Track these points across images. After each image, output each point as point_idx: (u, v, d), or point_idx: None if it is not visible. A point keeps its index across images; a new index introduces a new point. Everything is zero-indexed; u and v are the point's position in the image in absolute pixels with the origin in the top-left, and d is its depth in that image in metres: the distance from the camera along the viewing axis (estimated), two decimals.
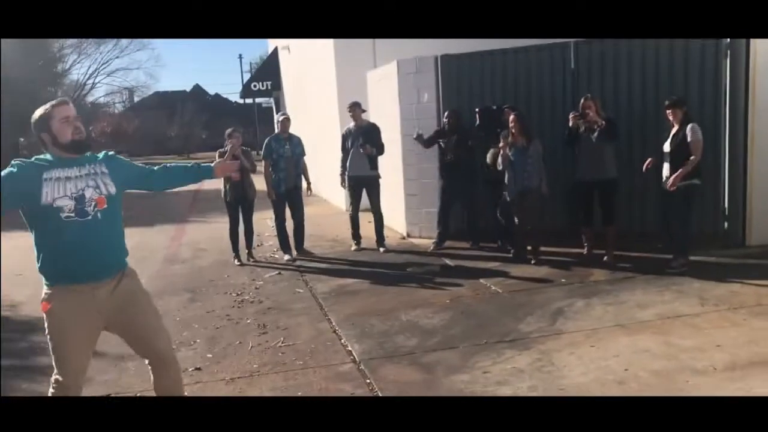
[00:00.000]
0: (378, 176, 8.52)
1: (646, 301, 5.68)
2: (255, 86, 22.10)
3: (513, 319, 5.46)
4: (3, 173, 3.03)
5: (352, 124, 8.59)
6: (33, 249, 3.14)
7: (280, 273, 7.73)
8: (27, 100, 23.77)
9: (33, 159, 3.15)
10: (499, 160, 7.15)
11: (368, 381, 4.38)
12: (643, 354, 4.51)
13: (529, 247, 7.37)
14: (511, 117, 7.13)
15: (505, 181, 7.24)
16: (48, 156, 3.17)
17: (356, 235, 8.71)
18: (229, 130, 7.90)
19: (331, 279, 7.27)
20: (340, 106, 11.81)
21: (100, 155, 3.31)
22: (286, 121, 8.31)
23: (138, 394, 4.42)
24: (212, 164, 3.65)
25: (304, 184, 8.58)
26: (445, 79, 8.59)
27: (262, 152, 8.60)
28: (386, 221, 9.49)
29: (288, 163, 8.22)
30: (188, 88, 66.38)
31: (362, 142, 8.29)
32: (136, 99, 56.69)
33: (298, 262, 8.17)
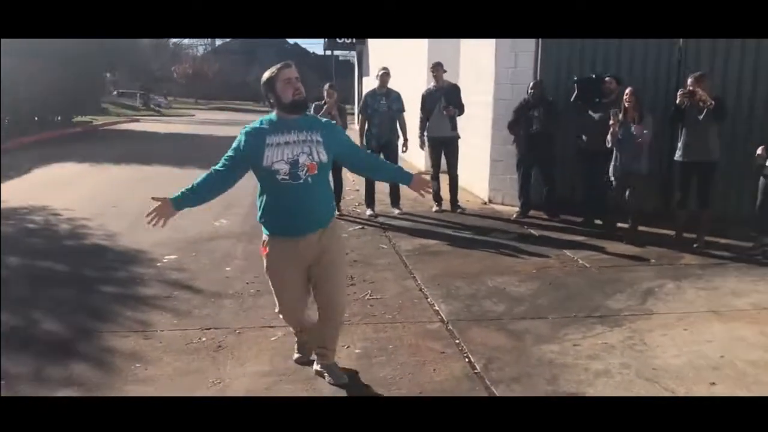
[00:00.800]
0: (458, 137, 8.55)
1: (740, 289, 5.54)
2: (340, 39, 22.10)
3: (602, 294, 5.42)
4: (234, 145, 3.53)
5: (432, 84, 8.60)
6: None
7: (363, 227, 7.86)
8: (113, 39, 24.41)
9: (259, 121, 3.58)
10: (609, 136, 6.94)
11: (457, 341, 4.45)
12: (739, 342, 4.43)
13: (622, 225, 7.24)
14: (628, 90, 6.89)
15: (612, 159, 7.08)
16: (273, 116, 3.57)
17: (437, 197, 8.75)
18: (326, 86, 8.00)
19: (414, 238, 7.35)
20: (430, 64, 11.76)
21: (319, 123, 3.64)
22: (385, 76, 8.36)
23: (224, 339, 4.60)
24: (413, 174, 3.83)
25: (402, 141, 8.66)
26: (545, 45, 8.42)
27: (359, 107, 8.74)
28: (469, 186, 9.51)
29: (383, 118, 8.30)
30: None
31: (445, 104, 8.29)
32: (218, 43, 57.48)
33: (380, 219, 8.27)
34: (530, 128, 8.02)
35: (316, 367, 3.92)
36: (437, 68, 8.52)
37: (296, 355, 4.11)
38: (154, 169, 13.02)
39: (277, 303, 3.80)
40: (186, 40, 54.91)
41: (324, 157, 3.50)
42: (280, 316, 3.92)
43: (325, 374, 3.84)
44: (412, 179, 3.78)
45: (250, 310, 5.07)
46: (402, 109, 8.47)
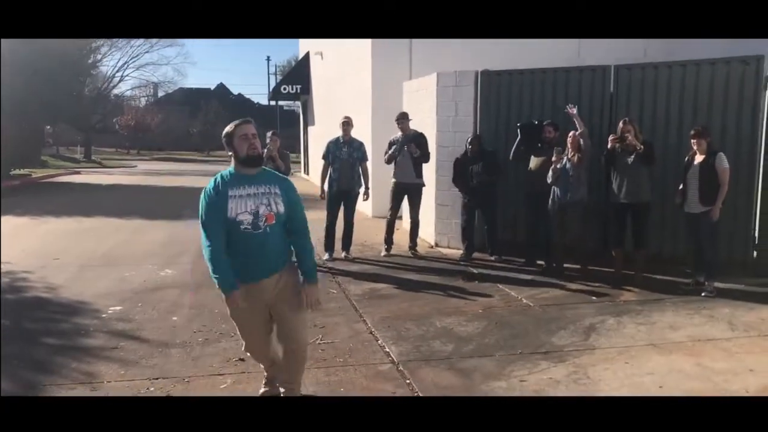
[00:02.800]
0: (422, 184, 8.75)
1: (677, 323, 5.78)
2: (285, 89, 22.38)
3: (546, 332, 5.58)
4: (206, 201, 3.66)
5: (399, 134, 8.77)
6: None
7: None
8: (57, 90, 24.17)
9: (220, 175, 3.74)
10: (550, 173, 7.34)
11: (408, 382, 4.51)
12: (677, 374, 4.62)
13: (565, 265, 7.53)
14: (571, 134, 7.33)
15: (551, 195, 7.41)
16: (232, 170, 3.75)
17: (389, 240, 8.89)
18: (269, 133, 8.12)
19: (363, 282, 7.43)
20: (374, 115, 12.04)
21: (277, 178, 3.83)
22: (346, 125, 8.53)
23: (172, 388, 4.57)
24: (315, 283, 3.91)
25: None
26: (484, 93, 8.76)
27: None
28: None
29: (344, 165, 8.46)
30: (212, 87, 67.02)
31: (409, 146, 8.51)
32: (160, 94, 57.27)
33: (328, 265, 8.32)
34: (471, 182, 8.28)
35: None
36: (402, 119, 8.73)
37: (263, 389, 4.21)
38: (96, 220, 12.79)
39: (244, 343, 4.04)
40: (128, 92, 54.54)
41: (281, 209, 3.70)
42: (248, 354, 4.15)
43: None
44: (310, 284, 3.84)
45: (198, 358, 5.03)
46: (364, 158, 8.63)
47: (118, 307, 6.41)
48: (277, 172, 3.99)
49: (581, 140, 7.28)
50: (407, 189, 8.76)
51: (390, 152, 8.73)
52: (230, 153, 3.72)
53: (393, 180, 8.81)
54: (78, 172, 31.75)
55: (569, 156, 7.29)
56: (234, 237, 3.66)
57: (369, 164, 8.80)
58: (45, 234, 11.14)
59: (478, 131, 8.60)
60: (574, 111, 7.41)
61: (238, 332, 4.01)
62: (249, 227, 3.62)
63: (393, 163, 8.75)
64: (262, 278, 3.74)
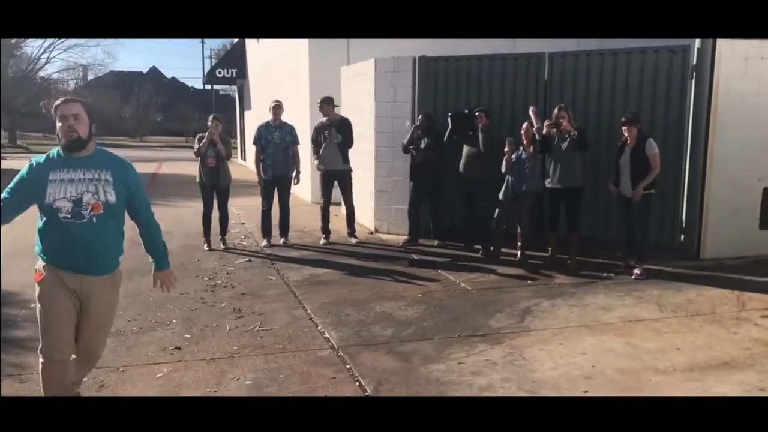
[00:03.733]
0: (350, 170, 8.70)
1: (608, 305, 5.96)
2: (220, 73, 21.99)
3: (483, 315, 5.67)
4: (23, 173, 3.31)
5: (324, 118, 8.71)
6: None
7: (250, 260, 7.81)
8: None
9: (47, 155, 3.37)
10: (504, 163, 7.45)
11: (348, 367, 4.52)
12: (608, 353, 4.76)
13: (503, 249, 7.68)
14: (524, 126, 7.41)
15: (504, 183, 7.51)
16: (59, 149, 3.37)
17: (326, 229, 8.83)
18: (211, 117, 8.01)
19: (302, 268, 7.39)
20: (311, 100, 11.91)
21: (113, 162, 3.45)
22: (277, 108, 8.41)
23: (106, 378, 4.46)
24: (168, 267, 3.76)
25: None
26: (421, 80, 8.78)
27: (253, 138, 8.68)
28: (356, 216, 9.65)
29: (276, 149, 8.33)
30: (145, 70, 65.22)
31: (339, 140, 8.47)
32: (90, 77, 55.32)
33: (267, 251, 8.25)
34: (416, 158, 8.32)
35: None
36: (323, 104, 8.65)
37: None
38: None
39: (41, 336, 3.41)
40: (55, 74, 52.46)
41: (112, 198, 3.35)
42: (41, 359, 3.43)
43: None
44: (163, 268, 3.70)
45: (133, 348, 4.92)
46: (296, 142, 8.53)
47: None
48: (116, 155, 3.55)
49: (536, 133, 7.36)
50: (336, 176, 8.72)
51: (313, 146, 8.78)
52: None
53: (320, 168, 8.76)
54: (3, 158, 30.48)
55: (524, 147, 7.37)
56: (54, 227, 3.30)
57: (301, 149, 8.74)
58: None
59: (417, 117, 8.61)
60: (534, 110, 7.52)
61: (39, 324, 3.42)
62: (69, 216, 3.26)
63: (319, 152, 8.72)
64: (83, 272, 3.36)
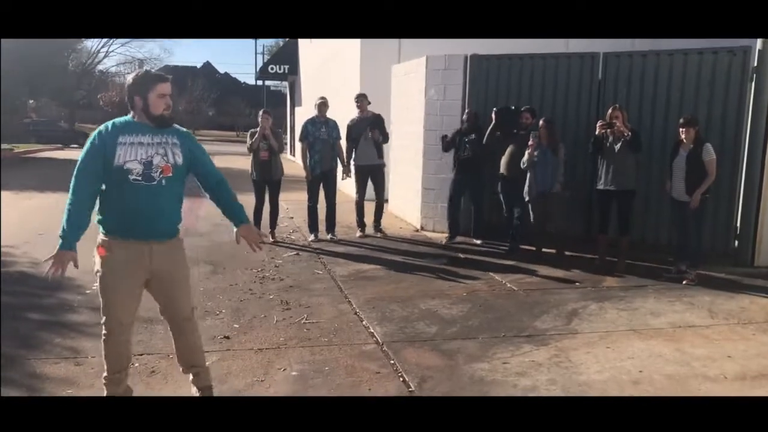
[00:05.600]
0: (383, 164, 8.80)
1: (658, 309, 5.86)
2: (272, 69, 22.27)
3: (529, 315, 5.64)
4: (88, 147, 3.34)
5: (356, 114, 8.80)
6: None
7: (298, 254, 7.91)
8: (40, 64, 23.85)
9: (112, 123, 3.40)
10: (525, 158, 7.35)
11: (392, 362, 4.55)
12: (657, 359, 4.69)
13: (543, 249, 7.58)
14: (541, 122, 7.35)
15: (526, 181, 7.43)
16: (128, 118, 3.43)
17: (361, 223, 8.96)
18: (261, 111, 8.14)
19: (349, 263, 7.45)
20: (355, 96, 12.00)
21: (175, 129, 3.50)
22: (322, 106, 8.52)
23: (156, 364, 4.57)
24: (248, 222, 3.71)
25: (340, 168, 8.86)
26: (473, 78, 8.76)
27: (298, 134, 8.83)
28: (402, 213, 9.72)
29: (324, 145, 8.45)
30: (199, 65, 66.42)
31: (371, 127, 8.55)
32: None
33: (314, 245, 8.34)
34: (461, 153, 8.31)
35: (193, 391, 3.80)
36: (361, 99, 8.78)
37: (106, 391, 3.62)
38: None
39: (103, 312, 3.45)
40: (113, 68, 53.88)
41: (179, 160, 3.41)
42: (103, 331, 3.49)
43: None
44: (246, 224, 3.65)
45: None
46: (339, 137, 8.65)
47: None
48: (176, 125, 3.55)
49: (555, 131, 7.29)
50: (370, 171, 8.81)
51: (348, 145, 8.86)
52: (135, 103, 3.38)
53: (354, 163, 8.84)
54: (61, 148, 31.46)
55: (540, 143, 7.29)
56: (122, 188, 3.31)
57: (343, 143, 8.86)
58: (29, 209, 11.06)
59: (466, 115, 8.60)
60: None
61: (101, 300, 3.44)
62: (139, 178, 3.29)
63: (353, 148, 8.82)
64: (151, 239, 3.39)
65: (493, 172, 8.15)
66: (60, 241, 3.27)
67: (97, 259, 3.44)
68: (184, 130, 3.59)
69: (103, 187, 3.38)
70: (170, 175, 3.37)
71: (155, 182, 3.33)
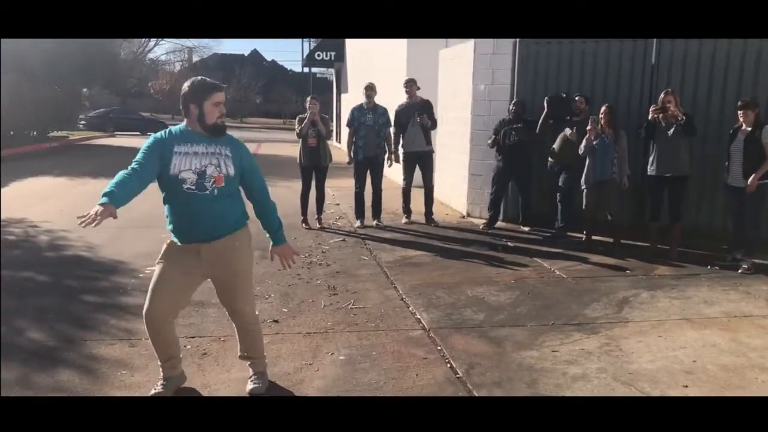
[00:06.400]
0: (432, 151, 8.75)
1: (712, 298, 5.72)
2: (318, 56, 22.33)
3: (579, 303, 5.56)
4: (151, 143, 3.44)
5: (404, 100, 8.76)
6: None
7: (344, 240, 7.95)
8: (94, 53, 24.36)
9: (168, 131, 3.53)
10: (583, 144, 7.24)
11: (439, 348, 4.54)
12: (711, 348, 4.58)
13: (594, 237, 7.47)
14: (603, 108, 7.23)
15: (584, 168, 7.31)
16: (182, 126, 3.54)
17: (407, 209, 8.93)
18: (308, 98, 8.19)
19: (394, 249, 7.46)
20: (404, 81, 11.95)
21: (227, 138, 3.57)
22: (369, 90, 8.52)
23: (208, 346, 4.65)
24: (285, 241, 3.78)
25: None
26: (521, 62, 8.63)
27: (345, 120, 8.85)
28: (448, 199, 9.67)
29: (369, 131, 8.46)
30: (247, 53, 67.06)
31: (419, 113, 8.50)
32: (195, 59, 57.41)
33: (360, 231, 8.38)
34: (508, 140, 8.22)
35: (250, 374, 3.89)
36: (410, 84, 8.73)
37: (157, 389, 3.74)
38: None
39: (147, 301, 3.55)
40: (163, 56, 54.85)
41: (231, 171, 3.48)
42: (145, 323, 3.60)
43: (259, 384, 3.81)
44: (280, 243, 3.74)
45: None
46: (388, 124, 8.64)
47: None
48: (230, 135, 3.63)
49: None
50: (419, 157, 8.76)
51: (396, 131, 8.82)
52: (190, 112, 3.45)
53: (402, 150, 8.81)
54: (114, 135, 32.22)
55: (600, 130, 7.16)
56: (177, 197, 3.43)
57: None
58: (83, 195, 11.35)
59: (515, 100, 8.50)
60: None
61: (151, 284, 3.56)
62: (193, 187, 3.38)
63: (401, 134, 8.78)
64: (203, 241, 3.50)
65: (542, 159, 8.06)
66: (102, 197, 3.23)
67: (162, 249, 3.59)
68: (236, 139, 3.66)
69: (165, 195, 3.51)
70: (222, 185, 3.45)
71: (207, 192, 3.42)
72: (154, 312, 3.53)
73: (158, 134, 3.52)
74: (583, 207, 7.48)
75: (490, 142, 8.42)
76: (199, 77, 3.54)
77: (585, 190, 7.39)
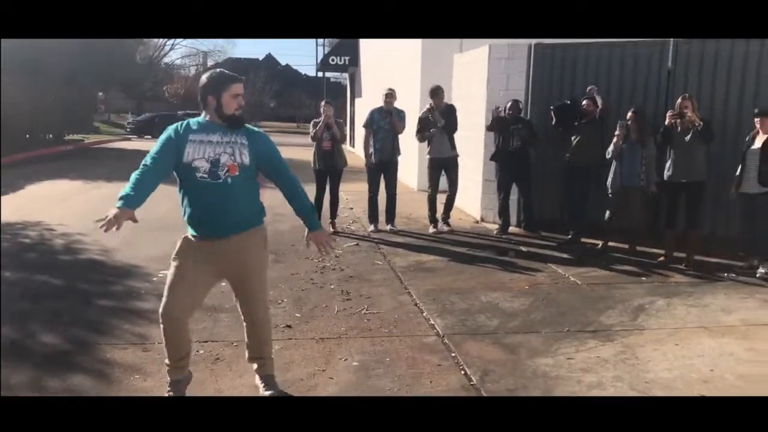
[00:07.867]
0: (457, 156, 8.71)
1: (729, 306, 5.65)
2: (332, 60, 22.37)
3: (594, 310, 5.51)
4: (164, 138, 3.44)
5: (426, 108, 8.72)
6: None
7: (357, 244, 7.94)
8: (108, 58, 24.56)
9: (187, 122, 3.51)
10: (610, 148, 7.19)
11: (453, 354, 4.51)
12: (729, 357, 4.51)
13: (610, 243, 7.42)
14: (629, 114, 7.17)
15: (610, 173, 7.27)
16: (200, 118, 3.53)
17: (433, 218, 8.82)
18: (322, 102, 8.20)
19: (408, 254, 7.44)
20: (423, 87, 11.93)
21: (246, 128, 3.54)
22: (389, 97, 8.50)
23: (221, 351, 4.64)
24: (316, 228, 3.69)
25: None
26: (536, 67, 8.59)
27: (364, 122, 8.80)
28: (461, 205, 9.63)
29: (386, 134, 8.44)
30: (261, 57, 67.32)
31: (443, 124, 8.46)
32: (210, 63, 57.68)
33: (374, 236, 8.36)
34: (510, 145, 8.18)
35: (257, 380, 3.84)
36: (437, 93, 8.64)
37: (167, 390, 3.72)
38: None
39: (164, 298, 3.51)
40: (178, 61, 55.14)
41: (246, 160, 3.43)
42: (161, 322, 3.54)
43: (264, 386, 3.77)
44: (316, 229, 3.67)
45: None
46: (404, 124, 8.61)
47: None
48: (250, 126, 3.62)
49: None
50: (444, 163, 8.71)
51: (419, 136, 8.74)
52: (208, 103, 3.45)
53: (428, 156, 8.76)
54: (129, 139, 32.44)
55: (631, 134, 7.09)
56: (190, 186, 3.41)
57: (404, 136, 8.79)
58: (98, 198, 11.42)
59: (529, 105, 8.46)
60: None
61: (167, 283, 3.52)
62: (206, 176, 3.35)
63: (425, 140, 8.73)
64: (219, 237, 3.46)
65: (547, 164, 8.05)
66: (118, 201, 3.25)
67: (177, 245, 3.56)
68: (257, 129, 3.63)
69: (179, 185, 3.50)
70: (236, 174, 3.41)
71: (221, 180, 3.38)
72: (171, 310, 3.48)
73: (175, 125, 3.51)
74: (606, 214, 7.39)
75: (492, 119, 8.38)
76: (218, 69, 3.56)
77: (610, 195, 7.33)
